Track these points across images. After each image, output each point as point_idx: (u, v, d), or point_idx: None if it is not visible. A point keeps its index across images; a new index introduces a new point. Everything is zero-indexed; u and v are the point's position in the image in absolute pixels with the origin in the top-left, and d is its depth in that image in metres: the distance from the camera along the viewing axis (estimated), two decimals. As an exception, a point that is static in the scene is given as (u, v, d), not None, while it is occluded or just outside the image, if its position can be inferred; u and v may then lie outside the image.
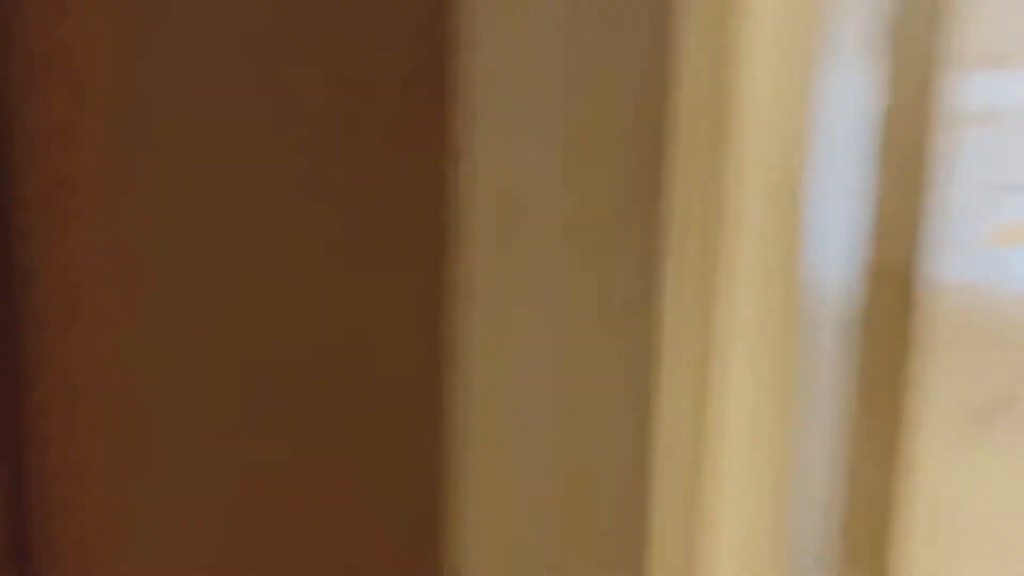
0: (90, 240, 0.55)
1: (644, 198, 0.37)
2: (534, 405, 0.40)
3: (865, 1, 0.44)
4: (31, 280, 0.57)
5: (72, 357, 0.58)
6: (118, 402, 0.54)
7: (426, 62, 0.37)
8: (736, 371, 0.42)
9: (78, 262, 0.56)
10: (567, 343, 0.39)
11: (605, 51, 0.37)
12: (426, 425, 0.41)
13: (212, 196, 0.45)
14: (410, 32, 0.38)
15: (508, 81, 0.37)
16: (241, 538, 0.47)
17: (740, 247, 0.41)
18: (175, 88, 0.46)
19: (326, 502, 0.43)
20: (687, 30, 0.38)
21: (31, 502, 0.65)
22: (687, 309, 0.39)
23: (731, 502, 0.43)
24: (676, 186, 0.37)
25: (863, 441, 0.49)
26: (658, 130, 0.37)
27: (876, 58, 0.45)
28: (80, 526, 0.62)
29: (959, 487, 0.53)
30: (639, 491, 0.38)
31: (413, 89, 0.37)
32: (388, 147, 0.39)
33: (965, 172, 0.48)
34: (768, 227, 0.42)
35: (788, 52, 0.41)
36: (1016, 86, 0.51)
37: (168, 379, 0.50)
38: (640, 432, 0.38)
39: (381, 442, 0.41)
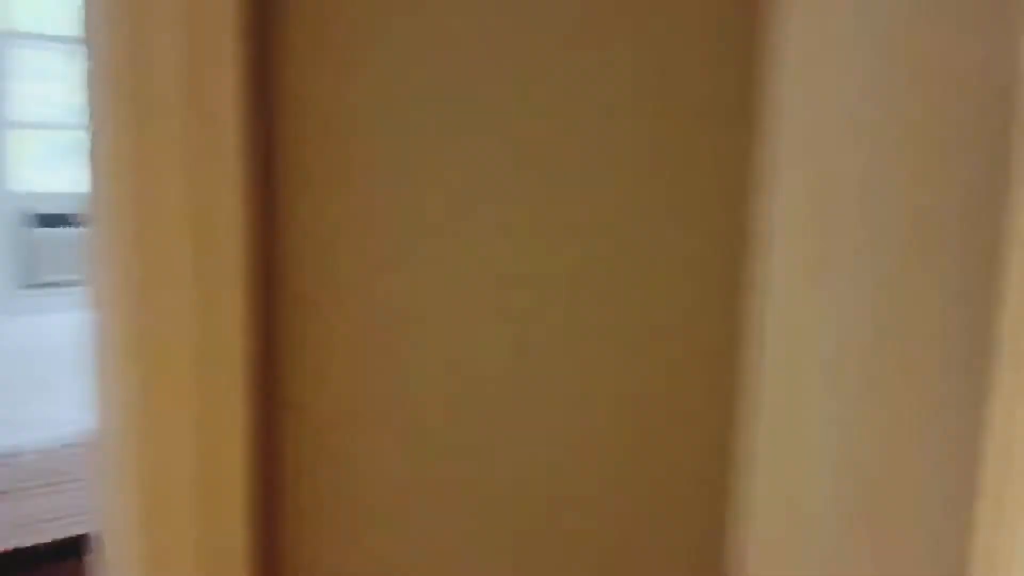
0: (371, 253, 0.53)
1: (991, 195, 0.34)
2: (839, 410, 0.38)
3: None
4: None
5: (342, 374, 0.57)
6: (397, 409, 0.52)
7: (735, 49, 0.35)
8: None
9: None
10: (888, 343, 0.36)
11: (949, 49, 0.34)
12: (718, 424, 0.39)
13: (523, 184, 0.44)
14: (720, 19, 0.36)
15: (822, 73, 0.35)
16: (534, 539, 0.45)
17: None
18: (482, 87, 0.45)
19: (618, 490, 0.41)
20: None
21: (284, 517, 0.64)
22: None
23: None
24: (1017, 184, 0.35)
25: None
26: (1006, 128, 0.34)
27: None
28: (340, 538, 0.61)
29: None
30: (967, 497, 0.36)
31: (722, 78, 0.35)
32: (695, 134, 0.37)
33: None
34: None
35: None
36: None
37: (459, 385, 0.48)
38: (971, 435, 0.35)
39: (673, 434, 0.38)
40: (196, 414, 0.61)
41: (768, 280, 0.35)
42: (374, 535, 0.56)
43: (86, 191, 0.63)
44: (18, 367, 2.33)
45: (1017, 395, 0.37)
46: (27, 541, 1.75)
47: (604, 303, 0.40)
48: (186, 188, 0.58)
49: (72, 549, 1.89)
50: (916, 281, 0.36)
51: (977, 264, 0.36)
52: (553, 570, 0.43)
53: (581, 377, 0.41)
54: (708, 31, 0.36)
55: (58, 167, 3.76)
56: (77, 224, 3.54)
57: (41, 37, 3.51)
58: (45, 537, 1.79)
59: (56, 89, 3.71)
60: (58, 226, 3.51)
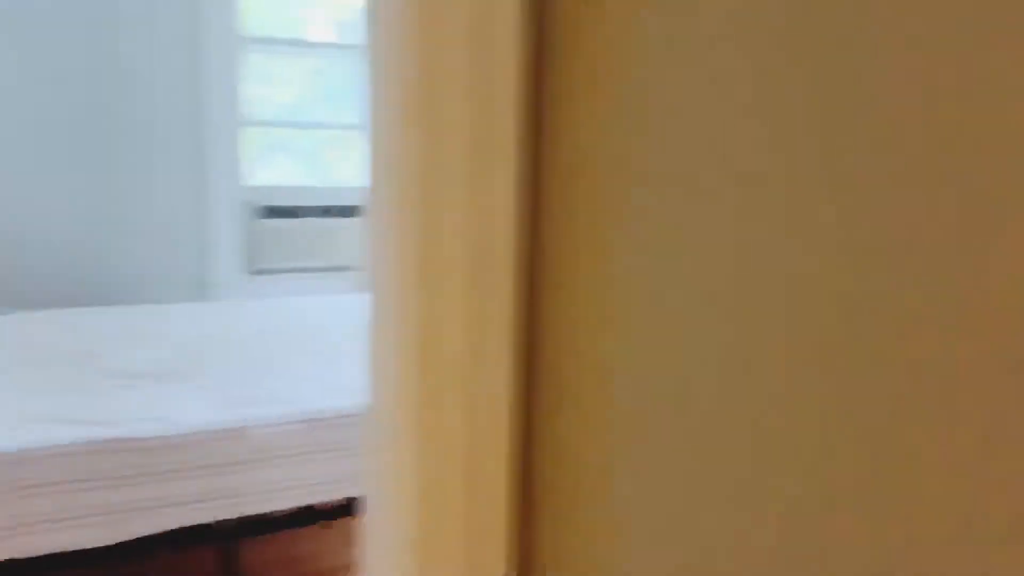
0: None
1: None
2: None
3: None
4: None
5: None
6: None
7: None
8: None
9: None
10: None
11: None
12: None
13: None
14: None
15: None
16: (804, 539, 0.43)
17: None
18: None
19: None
20: None
21: (536, 509, 0.66)
22: None
23: None
24: None
25: None
26: None
27: None
28: (584, 532, 0.62)
29: None
30: None
31: None
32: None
33: None
34: None
35: None
36: None
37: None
38: None
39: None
40: (466, 400, 0.63)
41: None
42: (631, 522, 0.55)
43: (364, 185, 0.67)
44: (251, 348, 2.53)
45: None
46: (264, 508, 1.90)
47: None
48: (466, 185, 0.60)
49: (309, 516, 2.03)
50: None
51: None
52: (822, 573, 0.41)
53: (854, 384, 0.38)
54: None
55: (279, 163, 4.06)
56: (297, 216, 3.81)
57: (265, 41, 3.79)
58: (286, 504, 1.93)
59: (277, 90, 4.00)
60: (280, 217, 3.78)
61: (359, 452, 1.97)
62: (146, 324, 2.74)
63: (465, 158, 0.59)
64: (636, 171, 0.53)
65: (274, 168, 4.01)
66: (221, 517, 1.87)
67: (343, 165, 4.15)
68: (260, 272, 3.80)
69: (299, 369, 2.31)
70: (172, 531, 1.83)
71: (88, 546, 1.76)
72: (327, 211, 3.89)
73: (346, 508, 2.02)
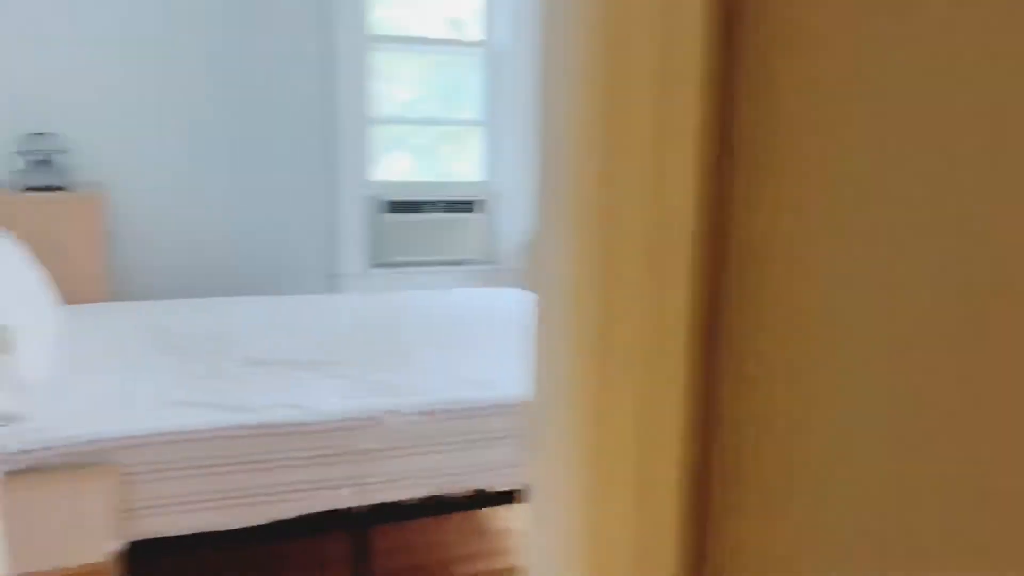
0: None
1: None
2: None
3: None
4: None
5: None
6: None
7: None
8: None
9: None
10: None
11: None
12: None
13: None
14: None
15: None
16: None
17: None
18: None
19: None
20: None
21: (709, 503, 0.64)
22: None
23: None
24: None
25: None
26: None
27: None
28: (756, 529, 0.60)
29: None
30: None
31: None
32: None
33: None
34: None
35: None
36: None
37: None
38: None
39: None
40: (641, 395, 0.62)
41: None
42: (818, 526, 0.53)
43: (536, 183, 0.66)
44: (380, 338, 2.59)
45: None
46: (395, 496, 1.94)
47: None
48: (647, 178, 0.58)
49: (435, 507, 2.06)
50: None
51: None
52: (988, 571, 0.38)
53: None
54: None
55: (400, 159, 4.14)
56: (419, 211, 3.89)
57: (388, 39, 3.87)
58: (416, 493, 1.97)
59: (398, 88, 4.08)
60: (401, 212, 3.86)
61: (487, 444, 1.99)
62: (279, 314, 2.84)
63: (648, 150, 0.58)
64: (820, 184, 0.50)
65: (395, 164, 4.09)
66: (353, 504, 1.91)
67: (459, 161, 4.20)
68: (381, 265, 3.89)
69: (428, 360, 2.35)
70: (305, 516, 1.88)
71: (224, 528, 1.82)
72: (449, 207, 3.95)
73: (472, 500, 2.04)
